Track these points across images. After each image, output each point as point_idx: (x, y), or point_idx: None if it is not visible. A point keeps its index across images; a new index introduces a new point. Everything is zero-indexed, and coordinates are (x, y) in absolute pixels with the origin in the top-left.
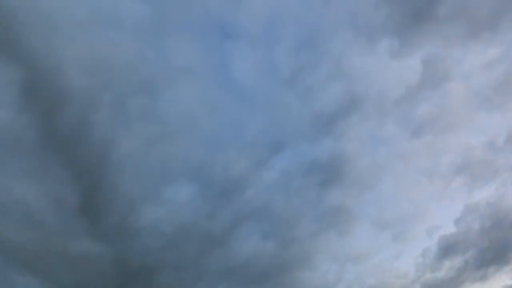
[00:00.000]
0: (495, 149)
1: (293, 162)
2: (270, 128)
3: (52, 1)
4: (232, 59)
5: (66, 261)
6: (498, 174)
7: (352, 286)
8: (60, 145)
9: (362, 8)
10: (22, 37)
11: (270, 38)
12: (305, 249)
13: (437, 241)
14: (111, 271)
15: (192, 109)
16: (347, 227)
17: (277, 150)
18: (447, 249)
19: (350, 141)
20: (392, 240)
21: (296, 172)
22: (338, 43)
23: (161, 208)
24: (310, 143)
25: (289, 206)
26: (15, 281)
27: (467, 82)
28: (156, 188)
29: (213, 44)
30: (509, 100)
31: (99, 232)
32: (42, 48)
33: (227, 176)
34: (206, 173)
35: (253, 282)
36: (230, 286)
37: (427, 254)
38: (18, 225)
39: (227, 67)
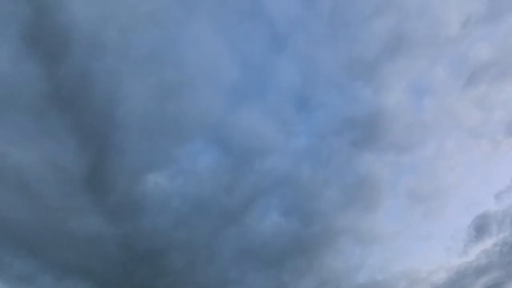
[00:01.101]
0: None
1: (323, 121)
2: (300, 77)
3: None
4: None
5: (67, 240)
6: None
7: (375, 274)
8: (61, 101)
9: None
10: None
11: None
12: (327, 228)
13: (471, 220)
14: (116, 253)
15: (214, 48)
16: (375, 201)
17: (306, 106)
18: (481, 230)
19: (391, 93)
20: (423, 218)
21: (326, 132)
22: None
23: (172, 179)
24: (344, 95)
25: (314, 174)
26: (10, 263)
27: None
28: (167, 153)
29: None
30: None
31: (103, 207)
32: None
33: (249, 138)
34: (224, 135)
35: (268, 266)
36: (243, 271)
37: (458, 236)
38: (13, 198)
39: None
